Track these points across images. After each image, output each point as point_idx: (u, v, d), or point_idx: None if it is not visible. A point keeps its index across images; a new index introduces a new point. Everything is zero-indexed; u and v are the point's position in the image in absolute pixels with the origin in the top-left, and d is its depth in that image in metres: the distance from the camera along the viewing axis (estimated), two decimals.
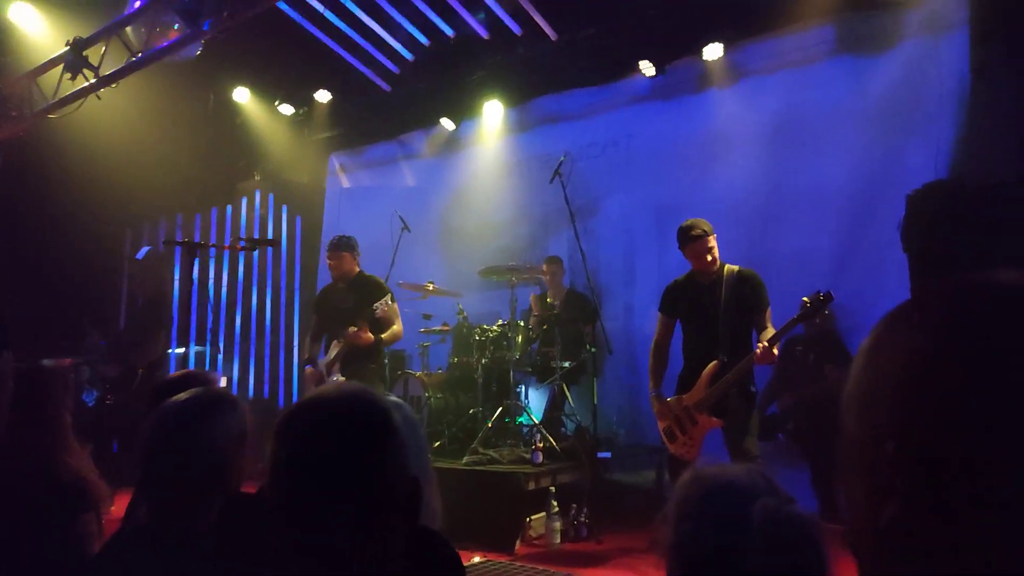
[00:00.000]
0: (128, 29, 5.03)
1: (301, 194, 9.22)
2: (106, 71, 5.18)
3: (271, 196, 9.04)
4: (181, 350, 8.56)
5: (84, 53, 5.02)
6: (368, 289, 5.20)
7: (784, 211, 5.90)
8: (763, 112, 6.12)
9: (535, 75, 6.96)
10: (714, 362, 4.01)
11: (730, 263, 4.18)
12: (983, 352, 0.64)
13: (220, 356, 8.72)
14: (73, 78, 5.12)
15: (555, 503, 4.90)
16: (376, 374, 5.38)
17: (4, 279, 6.27)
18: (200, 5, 4.42)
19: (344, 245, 5.32)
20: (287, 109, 8.07)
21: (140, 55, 4.94)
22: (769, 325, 3.98)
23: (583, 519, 4.98)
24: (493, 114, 7.48)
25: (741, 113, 6.21)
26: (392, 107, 7.76)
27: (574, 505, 5.04)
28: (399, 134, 8.53)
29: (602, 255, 7.00)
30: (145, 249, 5.84)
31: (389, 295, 5.06)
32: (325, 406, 1.26)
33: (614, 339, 5.59)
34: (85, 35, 5.16)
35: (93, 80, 5.12)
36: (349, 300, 5.23)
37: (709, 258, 4.08)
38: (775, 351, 3.80)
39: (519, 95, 7.34)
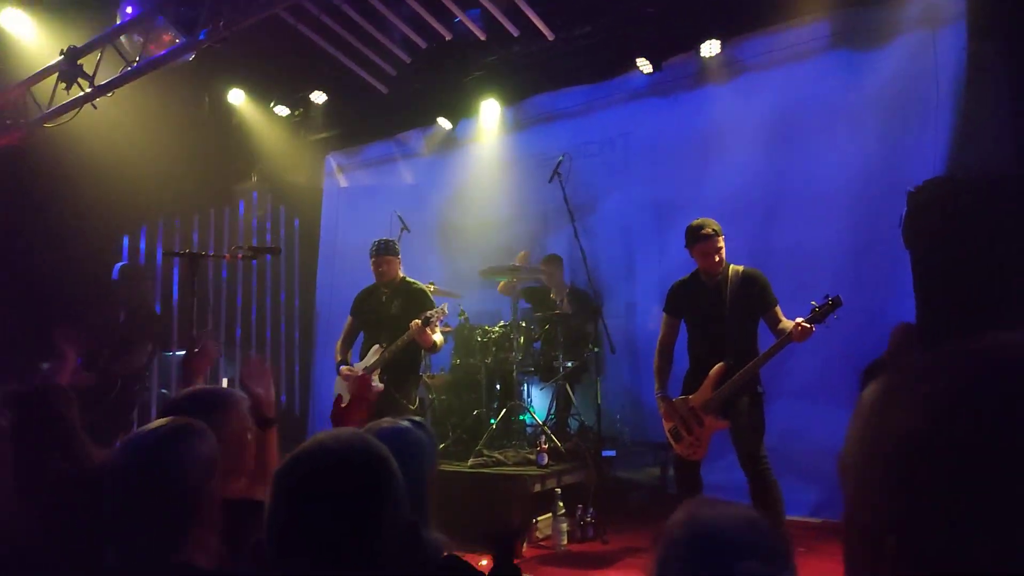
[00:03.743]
0: (123, 37, 4.98)
1: (298, 195, 9.20)
2: (101, 79, 5.14)
3: (269, 198, 9.03)
4: (181, 353, 8.53)
5: (79, 62, 4.97)
6: (414, 297, 5.08)
7: (783, 207, 5.88)
8: (761, 107, 6.09)
9: (531, 73, 6.92)
10: (720, 363, 4.02)
11: (734, 262, 4.18)
12: (985, 440, 0.60)
13: (221, 358, 8.70)
14: (68, 88, 5.07)
15: (561, 504, 4.92)
16: (415, 384, 5.26)
17: None
18: (195, 14, 4.38)
19: (390, 249, 5.15)
20: (283, 110, 8.04)
21: (135, 64, 4.90)
22: (784, 319, 3.97)
23: (589, 519, 5.00)
24: (490, 113, 7.46)
25: (739, 109, 6.18)
26: (389, 107, 7.72)
27: (580, 505, 5.06)
28: (396, 133, 8.49)
29: (602, 253, 6.95)
30: (119, 266, 5.68)
31: (444, 306, 4.95)
32: (324, 458, 1.27)
33: (616, 337, 5.58)
34: (79, 43, 5.11)
35: (88, 90, 5.08)
36: (393, 306, 5.07)
37: (716, 258, 4.07)
38: (807, 324, 3.78)
39: (516, 93, 7.31)
